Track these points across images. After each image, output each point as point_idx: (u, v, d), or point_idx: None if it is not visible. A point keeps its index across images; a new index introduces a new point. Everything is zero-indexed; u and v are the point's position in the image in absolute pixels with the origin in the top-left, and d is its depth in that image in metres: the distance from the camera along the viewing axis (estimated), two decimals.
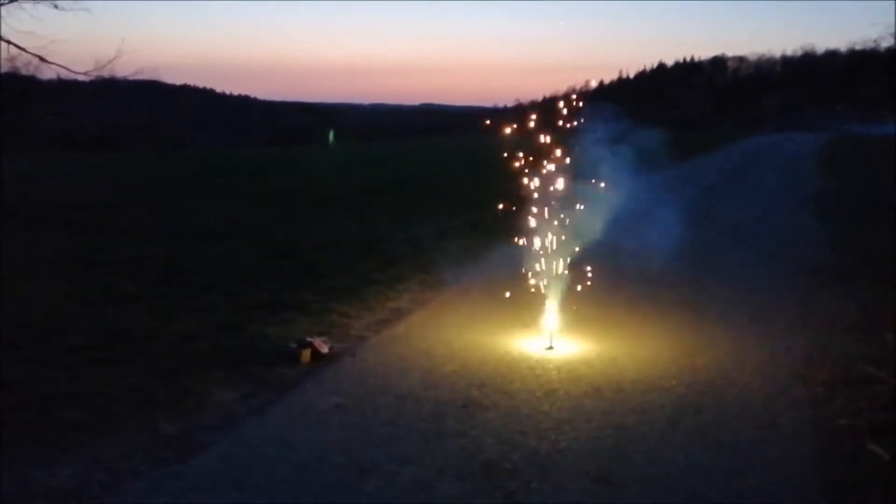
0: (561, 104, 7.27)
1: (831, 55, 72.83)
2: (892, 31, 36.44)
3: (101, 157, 28.30)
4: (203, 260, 10.22)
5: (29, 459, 4.62)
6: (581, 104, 7.24)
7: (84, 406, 5.39)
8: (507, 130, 7.20)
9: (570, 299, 7.25)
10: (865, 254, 10.76)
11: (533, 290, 7.29)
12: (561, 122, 7.22)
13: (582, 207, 7.22)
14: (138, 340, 6.86)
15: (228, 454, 4.84)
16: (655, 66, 66.97)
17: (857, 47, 50.81)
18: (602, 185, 7.25)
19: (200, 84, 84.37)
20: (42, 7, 16.10)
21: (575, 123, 7.24)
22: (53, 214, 13.65)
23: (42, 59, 15.94)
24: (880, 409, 5.50)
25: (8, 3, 15.91)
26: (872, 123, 42.25)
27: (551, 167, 7.13)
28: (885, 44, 40.61)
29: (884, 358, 6.50)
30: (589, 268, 7.30)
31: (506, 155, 7.14)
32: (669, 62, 67.24)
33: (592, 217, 7.33)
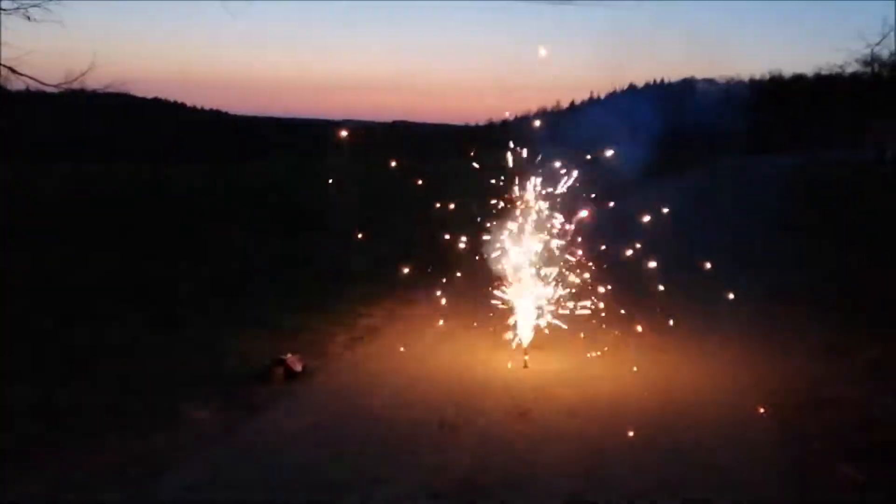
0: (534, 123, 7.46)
1: (798, 79, 74.02)
2: (857, 56, 37.12)
3: (67, 169, 27.95)
4: (174, 276, 10.09)
5: None
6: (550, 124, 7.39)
7: (53, 423, 5.31)
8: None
9: (546, 318, 7.25)
10: (836, 276, 10.89)
11: (507, 307, 7.29)
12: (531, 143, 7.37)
13: (552, 227, 7.30)
14: (108, 357, 6.76)
15: (199, 474, 4.77)
16: (626, 87, 67.61)
17: (824, 72, 51.72)
18: (572, 205, 7.33)
19: (171, 98, 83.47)
20: (14, 19, 15.85)
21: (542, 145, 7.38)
22: (21, 226, 13.43)
23: (13, 70, 15.69)
24: (852, 430, 5.56)
25: None
26: (840, 147, 42.95)
27: (521, 188, 7.25)
28: (850, 69, 41.31)
29: (855, 379, 6.58)
30: (564, 288, 7.31)
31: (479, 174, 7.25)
32: (640, 83, 67.83)
33: (563, 237, 7.39)
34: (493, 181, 7.42)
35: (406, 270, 8.47)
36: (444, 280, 8.27)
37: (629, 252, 7.61)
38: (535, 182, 7.35)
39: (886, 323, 8.16)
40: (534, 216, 7.32)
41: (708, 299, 9.53)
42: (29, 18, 15.69)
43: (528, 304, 7.19)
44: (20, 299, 8.57)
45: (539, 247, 7.28)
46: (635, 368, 6.81)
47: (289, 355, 6.67)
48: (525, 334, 7.10)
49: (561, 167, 7.45)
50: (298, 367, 6.56)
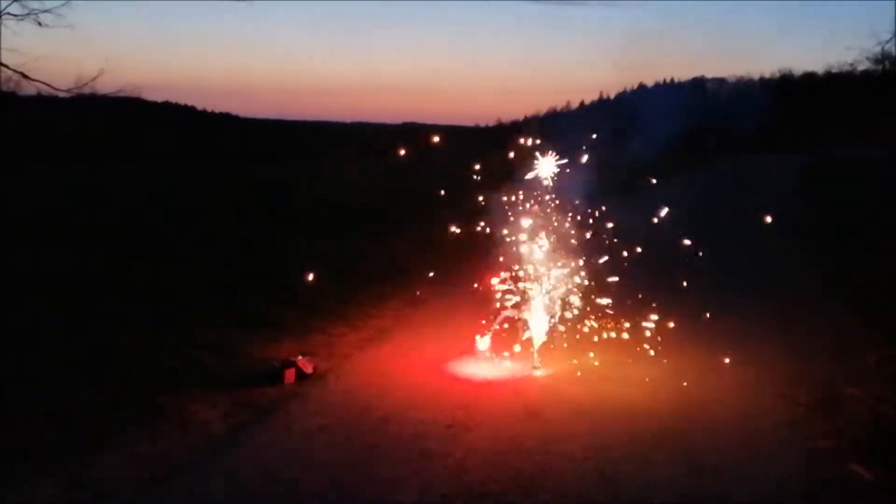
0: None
1: (809, 77, 73.58)
2: (868, 54, 36.84)
3: (78, 172, 28.06)
4: (183, 278, 10.13)
5: (8, 479, 4.57)
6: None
7: (64, 425, 5.34)
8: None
9: (558, 320, 7.24)
10: (844, 276, 10.83)
11: (518, 309, 7.28)
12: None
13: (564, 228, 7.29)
14: (118, 359, 6.79)
15: (209, 476, 4.79)
16: (636, 86, 67.29)
17: (834, 70, 51.26)
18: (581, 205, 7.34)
19: (182, 101, 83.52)
20: (25, 24, 15.96)
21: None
22: (32, 230, 13.51)
23: (24, 75, 15.80)
24: (861, 429, 5.54)
25: None
26: (851, 146, 42.69)
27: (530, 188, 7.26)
28: (861, 67, 41.02)
29: (863, 379, 6.56)
30: (574, 288, 7.31)
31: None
32: (650, 83, 67.50)
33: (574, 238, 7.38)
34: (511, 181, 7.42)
35: (416, 271, 8.49)
36: (455, 281, 8.33)
37: (638, 251, 7.60)
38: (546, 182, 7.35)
39: (895, 322, 8.12)
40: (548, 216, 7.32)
41: (715, 299, 9.52)
42: (40, 24, 15.82)
43: (540, 305, 7.18)
44: (28, 301, 8.62)
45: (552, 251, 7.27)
46: (646, 378, 6.80)
47: (300, 357, 6.70)
48: (536, 336, 7.09)
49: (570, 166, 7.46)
50: (309, 369, 6.58)
